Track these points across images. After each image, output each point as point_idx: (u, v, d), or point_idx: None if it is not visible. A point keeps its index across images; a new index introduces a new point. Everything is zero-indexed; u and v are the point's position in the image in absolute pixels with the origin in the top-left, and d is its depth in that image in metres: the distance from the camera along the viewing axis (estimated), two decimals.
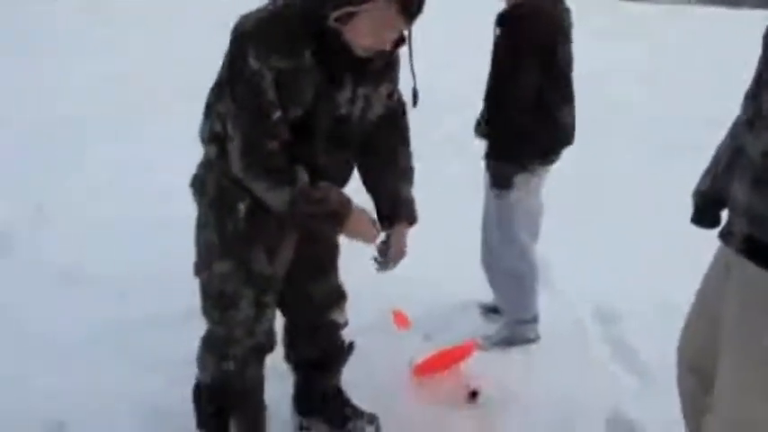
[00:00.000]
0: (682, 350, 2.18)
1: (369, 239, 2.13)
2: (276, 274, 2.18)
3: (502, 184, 2.93)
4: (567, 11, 2.92)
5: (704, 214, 2.09)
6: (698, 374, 2.07)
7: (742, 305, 1.80)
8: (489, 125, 2.96)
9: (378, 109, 2.13)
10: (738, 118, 1.98)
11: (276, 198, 1.95)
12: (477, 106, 3.09)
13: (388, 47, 1.94)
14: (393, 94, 2.20)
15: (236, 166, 1.95)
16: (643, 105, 7.38)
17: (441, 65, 7.83)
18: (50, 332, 3.11)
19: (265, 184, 1.95)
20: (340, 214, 2.02)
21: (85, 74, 6.60)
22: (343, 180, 2.19)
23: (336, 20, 1.84)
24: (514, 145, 2.86)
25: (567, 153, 3.03)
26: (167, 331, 3.05)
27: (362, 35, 1.87)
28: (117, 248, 3.88)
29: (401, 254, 2.26)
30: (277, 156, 1.93)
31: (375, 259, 2.27)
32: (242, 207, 2.06)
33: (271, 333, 2.28)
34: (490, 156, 2.94)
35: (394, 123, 2.25)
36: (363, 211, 2.09)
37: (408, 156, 2.29)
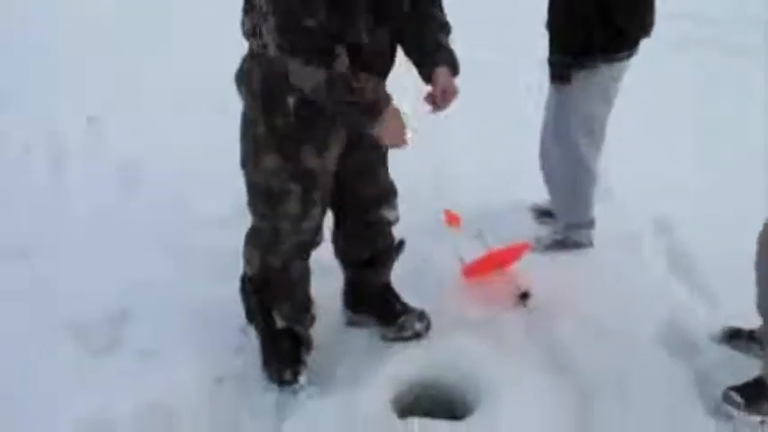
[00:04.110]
0: (764, 240, 2.22)
1: (399, 141, 2.02)
2: (325, 169, 2.15)
3: (559, 78, 2.78)
4: None
5: None
6: None
7: None
8: (549, 14, 2.79)
9: None
10: None
11: (311, 79, 1.86)
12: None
13: None
14: None
15: (271, 44, 1.87)
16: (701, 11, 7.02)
17: None
18: (110, 230, 3.22)
19: (300, 60, 1.85)
20: (376, 107, 1.93)
21: None
22: (386, 66, 2.11)
23: None
24: (574, 35, 2.68)
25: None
26: (221, 226, 3.10)
27: None
28: (172, 150, 3.89)
29: (448, 95, 2.12)
30: (314, 33, 1.83)
31: (426, 101, 2.16)
32: (291, 101, 2.00)
33: (317, 231, 2.27)
34: (549, 46, 2.79)
35: (431, 5, 2.15)
36: (398, 110, 1.99)
37: (442, 11, 2.18)
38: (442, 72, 2.10)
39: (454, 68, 2.14)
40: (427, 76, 2.13)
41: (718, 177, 3.60)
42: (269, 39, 1.87)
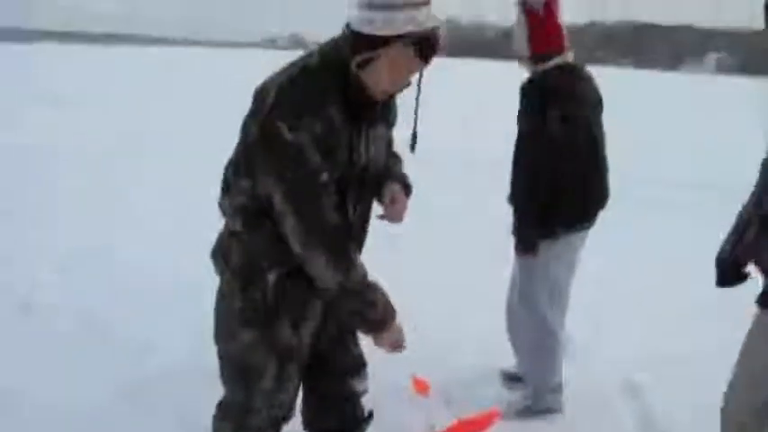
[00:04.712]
0: (728, 412, 2.24)
1: (393, 350, 2.10)
2: (301, 344, 2.16)
3: (525, 249, 2.92)
4: (587, 79, 2.94)
5: (731, 278, 2.21)
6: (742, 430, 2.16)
7: None
8: (512, 190, 2.97)
9: (383, 150, 2.15)
10: (759, 182, 2.12)
11: (329, 279, 1.93)
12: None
13: (406, 89, 1.99)
14: (390, 132, 2.22)
15: (295, 242, 1.92)
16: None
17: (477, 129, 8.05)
18: (68, 394, 3.12)
19: (323, 261, 1.91)
20: (381, 324, 2.00)
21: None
22: (365, 231, 2.19)
23: (356, 66, 1.89)
24: (536, 211, 2.86)
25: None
26: (188, 390, 3.05)
27: (382, 79, 1.92)
28: (142, 305, 3.93)
29: (398, 205, 2.18)
30: (336, 228, 1.92)
31: (379, 217, 2.22)
32: (271, 278, 2.04)
33: (291, 404, 2.25)
34: (514, 220, 2.95)
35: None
36: (399, 324, 2.07)
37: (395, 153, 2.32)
38: (392, 186, 2.21)
39: (407, 187, 2.25)
40: (379, 196, 2.23)
41: (685, 338, 3.67)
42: (292, 238, 1.91)
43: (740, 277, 2.20)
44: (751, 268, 2.16)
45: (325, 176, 1.89)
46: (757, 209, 2.09)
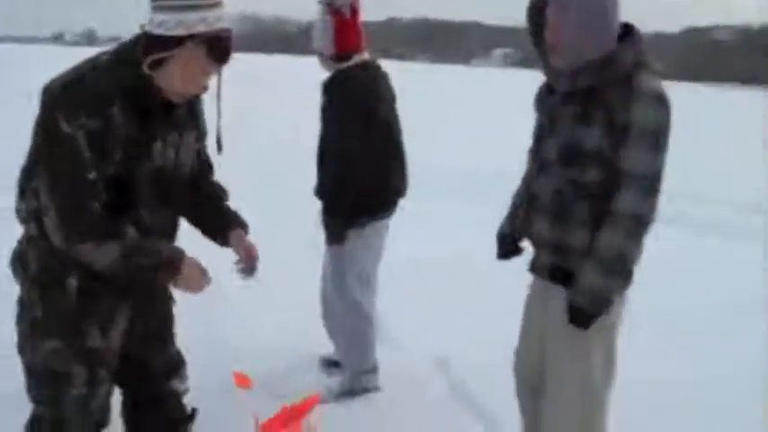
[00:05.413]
0: (517, 371, 2.49)
1: (200, 287, 2.11)
2: (110, 348, 2.13)
3: (336, 239, 3.05)
4: (384, 77, 3.12)
5: (509, 252, 2.49)
6: (530, 386, 2.42)
7: (562, 320, 2.13)
8: (319, 183, 3.10)
9: (188, 158, 2.18)
10: (528, 170, 2.42)
11: (106, 256, 1.92)
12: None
13: (203, 91, 2.04)
14: (200, 142, 2.27)
15: (57, 235, 1.90)
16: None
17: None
18: None
19: (91, 244, 1.90)
20: (174, 262, 2.02)
21: None
22: (170, 238, 2.20)
23: (149, 67, 1.91)
24: (342, 202, 3.00)
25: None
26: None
27: (176, 80, 1.96)
28: None
29: (254, 255, 2.30)
30: (98, 215, 1.90)
31: (239, 271, 2.30)
32: (72, 282, 2.01)
33: (105, 409, 2.19)
34: (323, 212, 3.07)
35: (208, 177, 2.36)
36: (195, 259, 2.09)
37: (213, 178, 2.40)
38: (238, 236, 2.29)
39: (244, 226, 2.34)
40: (224, 241, 2.30)
41: (486, 314, 3.98)
42: (54, 232, 1.89)
43: (516, 250, 2.47)
44: (525, 243, 2.43)
45: (93, 174, 1.88)
46: (523, 190, 2.39)
